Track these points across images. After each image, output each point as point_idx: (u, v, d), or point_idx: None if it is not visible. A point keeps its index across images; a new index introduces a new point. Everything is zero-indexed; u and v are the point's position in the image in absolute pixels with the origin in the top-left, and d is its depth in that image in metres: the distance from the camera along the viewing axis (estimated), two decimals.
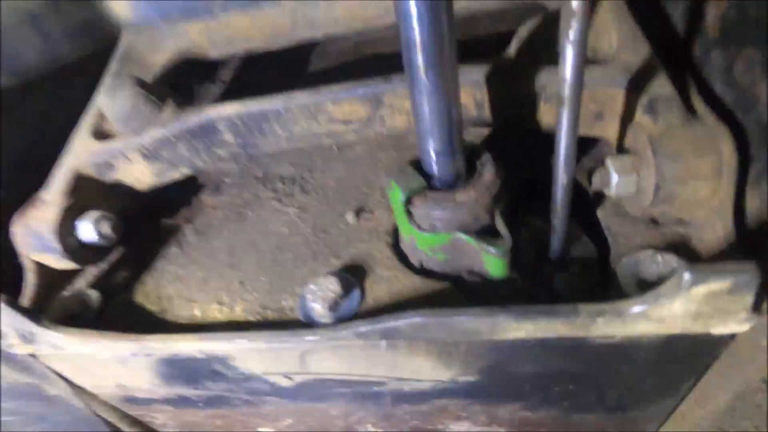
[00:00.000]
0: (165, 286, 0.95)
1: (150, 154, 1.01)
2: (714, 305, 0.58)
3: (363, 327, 0.71)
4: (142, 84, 1.04)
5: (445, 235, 0.75)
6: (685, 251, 0.74)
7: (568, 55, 0.56)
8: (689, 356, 0.73)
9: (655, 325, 0.63)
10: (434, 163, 0.73)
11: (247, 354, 0.82)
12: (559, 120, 0.61)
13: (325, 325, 0.76)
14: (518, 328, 0.66)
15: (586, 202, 0.89)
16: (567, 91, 0.58)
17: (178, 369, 0.89)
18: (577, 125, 0.61)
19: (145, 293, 0.95)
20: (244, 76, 1.39)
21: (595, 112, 0.83)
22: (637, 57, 0.78)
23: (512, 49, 0.87)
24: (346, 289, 0.81)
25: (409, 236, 0.80)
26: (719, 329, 0.63)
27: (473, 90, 0.87)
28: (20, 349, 0.83)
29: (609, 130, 0.84)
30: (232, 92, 1.32)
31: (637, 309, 0.61)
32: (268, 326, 0.83)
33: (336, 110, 0.94)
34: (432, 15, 0.56)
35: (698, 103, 0.74)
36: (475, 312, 0.65)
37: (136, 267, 1.01)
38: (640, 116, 0.76)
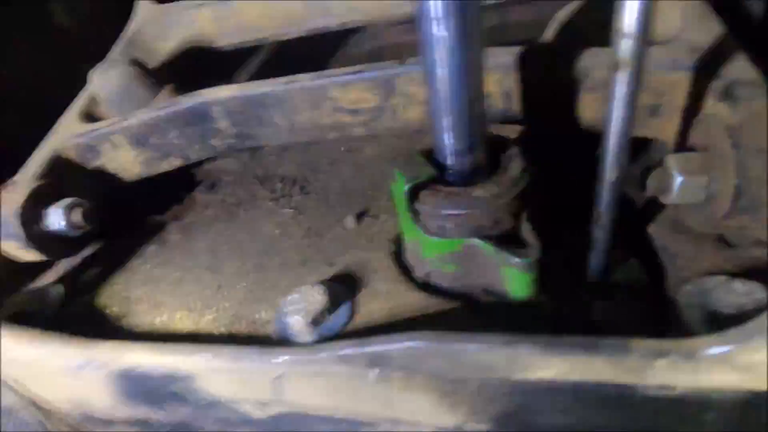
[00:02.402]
0: (135, 287, 0.83)
1: (138, 140, 0.92)
2: None
3: (347, 349, 0.56)
4: (137, 64, 0.96)
5: (458, 240, 0.60)
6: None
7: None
8: None
9: (739, 375, 0.46)
10: (449, 154, 0.59)
11: (210, 373, 0.68)
12: (611, 89, 0.47)
13: (301, 344, 0.62)
14: (546, 365, 0.50)
15: (632, 220, 0.73)
16: (627, 47, 0.43)
17: (134, 386, 0.76)
18: (636, 95, 0.46)
19: (112, 293, 0.83)
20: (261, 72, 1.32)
21: (649, 105, 0.68)
22: (707, 36, 0.63)
23: (549, 31, 0.74)
24: (334, 301, 0.67)
25: (413, 241, 0.66)
26: None
27: (501, 76, 0.74)
28: None
29: (666, 129, 0.69)
30: None
31: (715, 350, 0.44)
32: (237, 341, 0.69)
33: (342, 97, 0.83)
34: None
35: None
36: (490, 340, 0.49)
37: (109, 264, 0.90)
38: (713, 105, 0.60)
